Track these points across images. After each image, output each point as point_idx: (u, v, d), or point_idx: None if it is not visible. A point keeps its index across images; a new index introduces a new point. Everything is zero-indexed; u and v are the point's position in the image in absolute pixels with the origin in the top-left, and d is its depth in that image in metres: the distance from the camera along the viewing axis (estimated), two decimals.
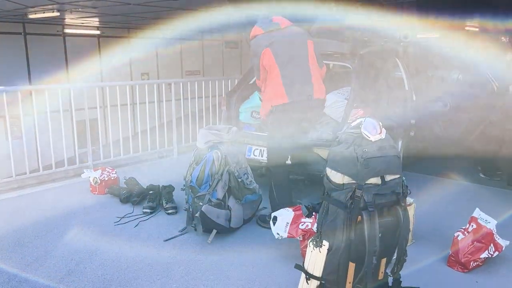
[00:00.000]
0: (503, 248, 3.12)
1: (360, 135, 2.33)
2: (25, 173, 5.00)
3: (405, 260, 2.51)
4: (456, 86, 5.63)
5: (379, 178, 2.31)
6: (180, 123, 6.54)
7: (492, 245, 3.07)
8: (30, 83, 12.64)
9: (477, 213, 3.16)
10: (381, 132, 2.33)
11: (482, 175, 5.28)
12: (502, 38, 10.74)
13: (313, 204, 2.66)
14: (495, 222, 3.14)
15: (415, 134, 5.30)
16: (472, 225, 3.10)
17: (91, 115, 5.46)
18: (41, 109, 5.02)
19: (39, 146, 5.13)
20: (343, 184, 2.33)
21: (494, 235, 3.09)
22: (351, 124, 2.44)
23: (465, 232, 3.13)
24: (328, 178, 2.40)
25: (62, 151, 5.28)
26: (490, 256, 3.07)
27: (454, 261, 3.11)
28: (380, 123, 2.35)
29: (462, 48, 5.88)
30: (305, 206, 2.80)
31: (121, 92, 5.80)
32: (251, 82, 4.85)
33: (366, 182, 2.29)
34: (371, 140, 2.31)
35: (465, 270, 3.05)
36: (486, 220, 3.10)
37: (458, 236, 3.15)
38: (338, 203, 2.34)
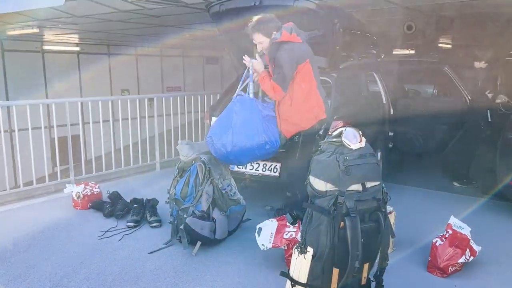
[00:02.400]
0: (477, 253, 3.24)
1: (341, 143, 2.44)
2: (5, 189, 4.93)
3: (387, 265, 2.60)
4: (432, 99, 5.85)
5: (360, 184, 2.41)
6: (162, 138, 6.56)
7: (468, 250, 3.18)
8: (7, 99, 12.46)
9: (452, 220, 3.29)
10: (361, 141, 2.44)
11: (457, 184, 5.45)
12: (476, 52, 11.19)
13: (297, 212, 2.73)
14: (469, 228, 3.27)
15: (393, 145, 5.48)
16: (449, 232, 3.22)
17: (73, 131, 5.43)
18: (21, 125, 4.98)
19: (19, 162, 5.04)
20: (326, 191, 2.43)
21: (470, 241, 3.21)
22: (332, 135, 2.54)
23: (443, 238, 3.24)
24: (311, 185, 2.49)
25: (42, 167, 5.24)
26: (466, 261, 3.18)
27: (433, 266, 3.21)
28: (360, 132, 2.46)
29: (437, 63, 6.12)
30: (289, 214, 2.87)
31: (103, 107, 5.79)
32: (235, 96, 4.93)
33: (348, 188, 2.39)
34: (351, 149, 2.42)
35: (444, 275, 3.15)
36: (460, 227, 3.23)
37: (436, 242, 3.26)
38: (321, 209, 2.42)
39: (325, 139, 2.62)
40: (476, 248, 3.23)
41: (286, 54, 3.42)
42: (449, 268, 3.14)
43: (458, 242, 3.17)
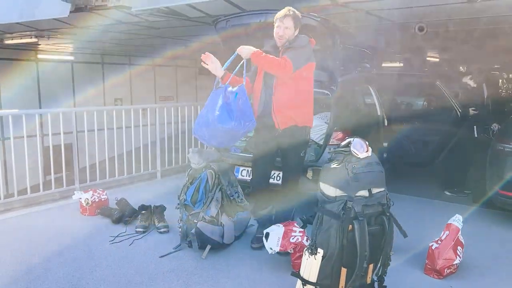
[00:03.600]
0: (464, 245, 3.50)
1: (350, 153, 2.65)
2: (13, 196, 5.03)
3: (389, 264, 2.82)
4: (424, 112, 6.13)
5: (366, 191, 2.63)
6: (162, 147, 6.73)
7: (459, 247, 3.43)
8: (0, 108, 12.49)
9: (452, 219, 3.54)
10: (368, 150, 2.66)
11: (448, 193, 5.71)
12: (460, 68, 11.61)
13: (307, 216, 2.93)
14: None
15: (387, 155, 5.71)
16: (446, 233, 3.45)
17: (71, 140, 5.56)
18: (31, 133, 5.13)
19: (27, 169, 5.16)
20: (336, 196, 2.64)
21: (459, 232, 3.46)
22: (341, 144, 2.76)
23: (439, 241, 3.46)
24: (321, 191, 2.70)
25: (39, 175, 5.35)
26: (460, 260, 3.41)
27: (430, 269, 3.43)
28: (367, 142, 2.68)
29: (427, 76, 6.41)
30: (299, 218, 3.07)
31: (107, 116, 5.95)
32: None
33: (356, 194, 2.60)
34: (359, 157, 2.63)
35: (441, 277, 3.37)
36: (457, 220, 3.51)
37: (432, 246, 3.48)
38: (331, 214, 2.63)
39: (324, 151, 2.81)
40: (462, 240, 3.50)
41: (309, 49, 3.69)
42: (445, 270, 3.36)
43: (451, 237, 3.40)
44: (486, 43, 8.72)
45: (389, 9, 5.42)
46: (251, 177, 4.25)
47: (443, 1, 4.83)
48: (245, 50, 3.57)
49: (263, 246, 3.55)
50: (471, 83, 5.77)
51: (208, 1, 5.08)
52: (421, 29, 5.26)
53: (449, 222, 3.53)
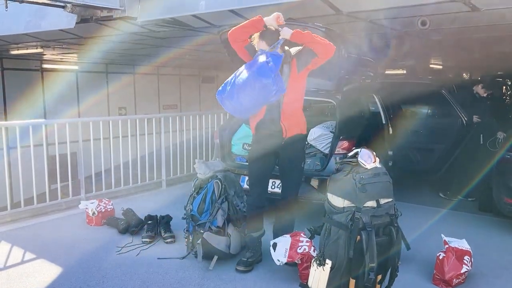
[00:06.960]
0: (472, 254, 3.48)
1: (357, 163, 2.66)
2: (18, 204, 5.04)
3: (396, 275, 2.81)
4: (429, 120, 6.13)
5: (374, 201, 2.63)
6: (167, 157, 6.75)
7: (466, 256, 3.41)
8: (6, 118, 12.57)
9: (443, 237, 3.56)
10: (375, 161, 2.66)
11: (441, 195, 5.74)
12: (464, 74, 11.60)
13: (315, 227, 2.93)
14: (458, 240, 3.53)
15: (392, 163, 5.71)
16: (446, 246, 3.45)
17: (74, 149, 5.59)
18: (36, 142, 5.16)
19: (34, 178, 5.17)
20: (344, 207, 2.64)
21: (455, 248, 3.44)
22: (348, 154, 2.76)
23: (446, 252, 3.44)
24: (329, 202, 2.70)
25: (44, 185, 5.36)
26: (468, 268, 3.39)
27: (439, 279, 3.40)
28: (374, 153, 2.68)
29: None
30: (307, 229, 3.07)
31: (113, 126, 5.99)
32: None
33: (364, 205, 2.60)
34: (367, 168, 2.63)
35: (449, 287, 3.35)
36: (449, 241, 3.49)
37: (439, 255, 3.46)
38: (339, 224, 2.63)
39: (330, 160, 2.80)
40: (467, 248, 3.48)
41: None
42: (454, 280, 3.34)
43: (458, 254, 3.39)
44: (489, 50, 8.74)
45: (392, 18, 5.44)
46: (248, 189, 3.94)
47: (446, 9, 4.84)
48: (286, 31, 3.38)
49: (248, 271, 3.58)
50: (481, 92, 5.80)
51: (213, 12, 5.11)
52: (423, 23, 5.16)
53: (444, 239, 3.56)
